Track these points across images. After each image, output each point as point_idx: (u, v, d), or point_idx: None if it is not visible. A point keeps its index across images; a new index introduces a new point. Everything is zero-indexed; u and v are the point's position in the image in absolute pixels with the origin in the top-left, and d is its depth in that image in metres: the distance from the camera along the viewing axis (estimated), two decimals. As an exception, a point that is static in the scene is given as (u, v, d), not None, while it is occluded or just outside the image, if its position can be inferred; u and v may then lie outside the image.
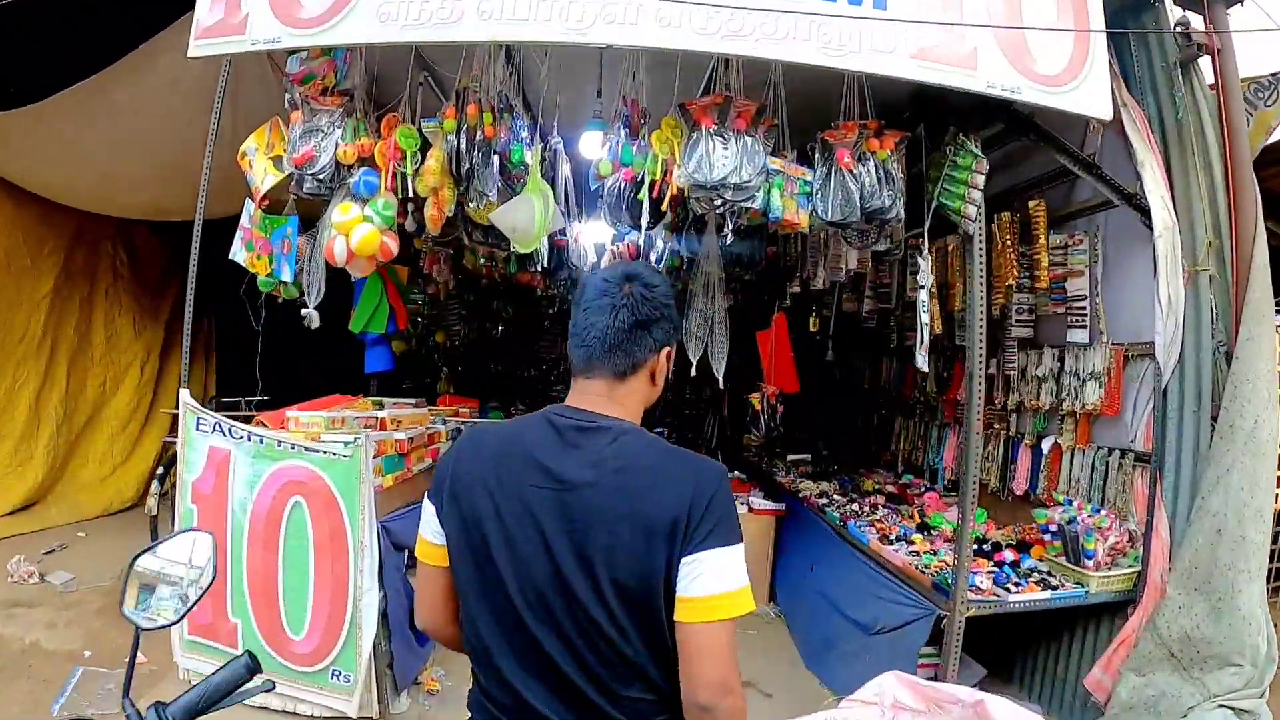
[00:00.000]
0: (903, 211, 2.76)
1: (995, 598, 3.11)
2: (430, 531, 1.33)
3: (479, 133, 2.65)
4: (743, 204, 2.56)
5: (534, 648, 1.21)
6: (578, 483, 1.20)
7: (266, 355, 7.43)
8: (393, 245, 2.85)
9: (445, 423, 4.00)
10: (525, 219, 2.62)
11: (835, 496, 4.30)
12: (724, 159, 2.56)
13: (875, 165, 2.73)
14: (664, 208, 2.68)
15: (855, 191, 2.67)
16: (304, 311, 3.14)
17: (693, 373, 3.35)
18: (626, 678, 1.20)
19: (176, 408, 7.36)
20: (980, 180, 2.75)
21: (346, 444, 3.03)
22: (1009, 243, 3.49)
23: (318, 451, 3.06)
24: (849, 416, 5.92)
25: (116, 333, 6.82)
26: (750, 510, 4.72)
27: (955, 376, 4.22)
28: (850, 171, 2.69)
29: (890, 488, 4.49)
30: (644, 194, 2.62)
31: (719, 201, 2.65)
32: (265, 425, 3.69)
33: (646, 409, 1.35)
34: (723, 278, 3.30)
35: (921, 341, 2.92)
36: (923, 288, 2.89)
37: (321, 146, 2.93)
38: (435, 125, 2.71)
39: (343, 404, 3.79)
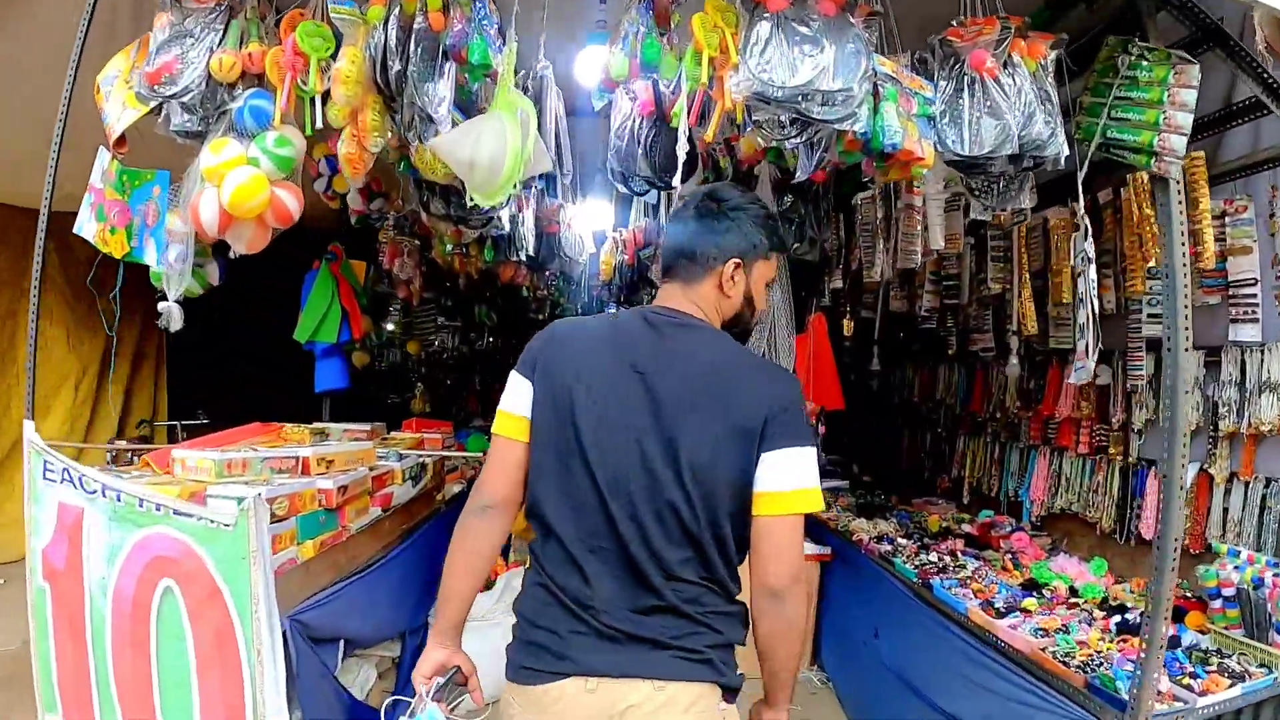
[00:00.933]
0: (1065, 146, 1.72)
1: (1180, 704, 2.06)
2: (517, 406, 1.31)
3: (419, 20, 1.60)
4: (839, 125, 1.51)
5: (605, 527, 1.23)
6: (671, 373, 1.24)
7: (222, 370, 6.37)
8: (291, 203, 1.77)
9: (401, 458, 2.89)
10: (491, 149, 1.55)
11: (900, 541, 3.23)
12: (807, 56, 1.51)
13: (1026, 78, 1.69)
14: (709, 137, 1.63)
15: (1007, 110, 1.62)
16: (161, 306, 2.05)
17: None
18: (686, 561, 1.22)
19: (118, 434, 6.16)
20: (1188, 98, 1.72)
21: (240, 501, 1.94)
22: (1147, 212, 2.46)
23: (190, 516, 1.96)
24: (895, 436, 4.86)
25: (47, 346, 5.65)
26: (789, 555, 3.65)
27: (1050, 387, 3.18)
28: (995, 81, 1.65)
29: (968, 527, 3.43)
30: (679, 113, 1.56)
31: (794, 128, 1.60)
32: (152, 469, 2.60)
33: (728, 323, 1.37)
34: (783, 255, 2.24)
35: (1095, 342, 1.87)
36: (1091, 262, 1.84)
37: (189, 58, 1.86)
38: (353, 11, 1.64)
39: (259, 436, 2.69)
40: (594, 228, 3.96)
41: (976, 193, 1.83)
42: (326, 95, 1.76)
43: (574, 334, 1.31)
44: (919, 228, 2.78)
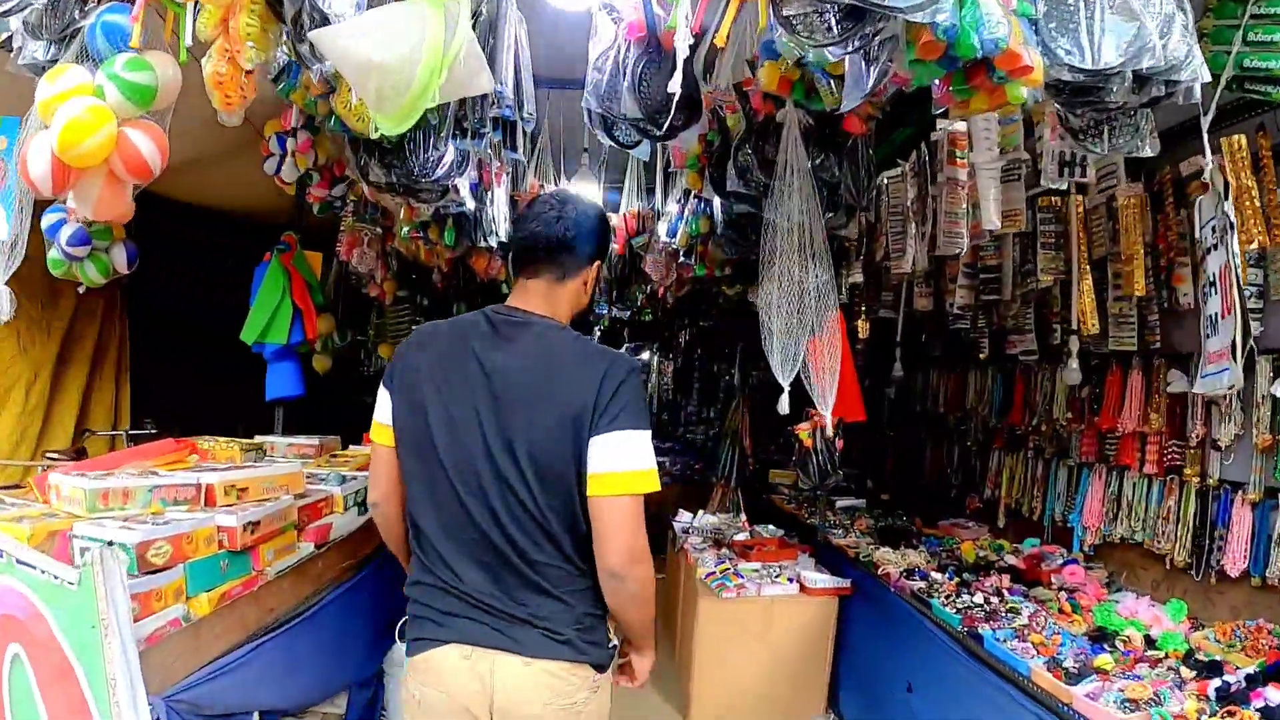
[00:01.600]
0: (1205, 70, 1.24)
1: (1327, 815, 1.56)
2: (382, 415, 1.40)
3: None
4: (912, 14, 1.03)
5: (465, 520, 1.29)
6: (506, 370, 1.29)
7: (193, 373, 5.83)
8: (147, 147, 1.28)
9: (345, 481, 2.39)
10: (406, 47, 1.06)
11: (934, 576, 2.73)
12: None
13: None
14: (722, 39, 1.16)
15: (1141, 9, 1.14)
16: (-11, 291, 1.55)
17: (784, 407, 1.78)
18: (544, 548, 1.29)
19: (73, 442, 5.58)
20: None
21: (84, 551, 1.44)
22: (1247, 183, 1.97)
23: (34, 568, 1.46)
24: (917, 450, 4.34)
25: (-8, 348, 5.16)
26: (803, 589, 3.13)
27: (1109, 396, 2.69)
28: (1120, -27, 1.16)
29: (1011, 559, 2.92)
30: (674, 22, 1.06)
31: (842, 28, 1.11)
32: (36, 496, 2.09)
33: (576, 319, 1.43)
34: (820, 228, 1.73)
35: (1244, 339, 1.38)
36: (1232, 229, 1.35)
37: (28, -38, 1.37)
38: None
39: (167, 454, 2.18)
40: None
41: (1080, 134, 1.34)
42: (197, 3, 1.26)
43: (428, 340, 1.37)
44: (964, 205, 2.29)
